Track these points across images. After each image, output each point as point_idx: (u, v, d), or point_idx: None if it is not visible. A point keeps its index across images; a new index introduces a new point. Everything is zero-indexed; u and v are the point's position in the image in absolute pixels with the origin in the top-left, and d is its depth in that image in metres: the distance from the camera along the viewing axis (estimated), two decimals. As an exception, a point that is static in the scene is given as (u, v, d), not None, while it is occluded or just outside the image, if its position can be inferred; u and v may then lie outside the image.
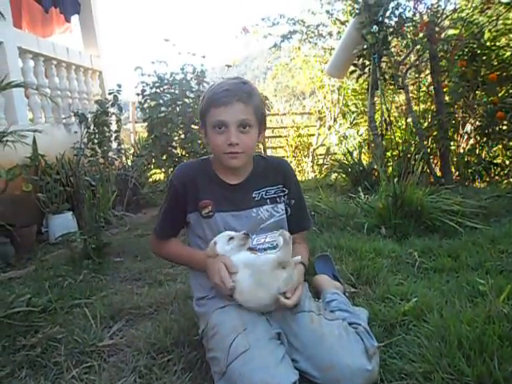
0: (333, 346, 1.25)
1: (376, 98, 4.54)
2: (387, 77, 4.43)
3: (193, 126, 3.95)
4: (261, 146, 7.98)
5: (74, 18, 5.69)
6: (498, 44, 4.52)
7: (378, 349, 1.31)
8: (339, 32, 6.23)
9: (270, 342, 1.25)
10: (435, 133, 4.47)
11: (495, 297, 1.54)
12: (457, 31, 4.60)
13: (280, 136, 9.23)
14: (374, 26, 4.21)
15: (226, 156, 1.38)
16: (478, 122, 4.46)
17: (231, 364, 1.20)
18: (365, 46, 4.26)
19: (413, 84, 5.01)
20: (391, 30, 4.30)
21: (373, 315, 1.63)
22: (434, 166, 4.54)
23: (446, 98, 4.49)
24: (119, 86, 4.49)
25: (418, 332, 1.45)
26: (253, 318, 1.32)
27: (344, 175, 4.79)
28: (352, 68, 4.65)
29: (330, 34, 6.57)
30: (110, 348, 1.63)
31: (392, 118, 4.87)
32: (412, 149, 4.39)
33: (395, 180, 2.88)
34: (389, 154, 4.69)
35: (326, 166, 6.72)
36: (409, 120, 4.63)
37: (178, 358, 1.49)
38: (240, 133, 1.35)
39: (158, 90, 3.96)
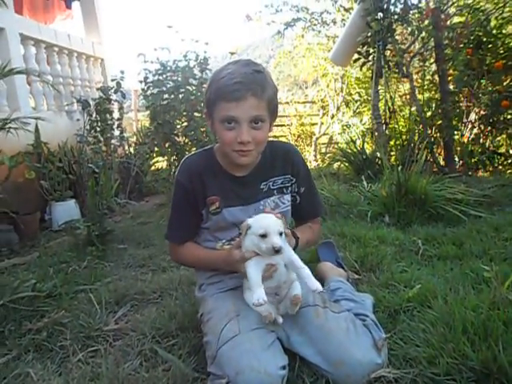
0: (342, 341, 1.22)
1: (380, 87, 4.50)
2: (391, 65, 4.38)
3: (196, 114, 3.92)
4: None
5: (75, 5, 5.65)
6: (504, 32, 4.45)
7: (385, 340, 1.30)
8: (343, 19, 6.16)
9: (260, 328, 1.24)
10: (439, 122, 4.44)
11: (499, 284, 1.53)
12: (463, 18, 4.54)
13: (283, 125, 9.17)
14: (379, 13, 4.15)
15: (235, 154, 1.29)
16: (482, 111, 4.41)
17: (221, 348, 1.20)
18: (369, 34, 4.21)
19: (417, 72, 4.96)
20: (396, 17, 4.25)
21: (377, 301, 1.63)
22: (437, 155, 4.51)
23: (451, 86, 4.45)
24: (122, 72, 4.46)
25: (422, 318, 1.46)
26: (248, 305, 1.30)
27: (347, 164, 4.77)
28: (356, 56, 4.60)
29: (334, 22, 6.49)
30: (115, 332, 1.64)
31: (396, 107, 4.83)
32: (416, 138, 4.37)
33: (399, 168, 2.87)
34: (392, 142, 4.66)
35: (328, 155, 6.69)
36: (413, 109, 4.59)
37: (183, 342, 1.50)
38: (252, 129, 1.24)
39: (160, 78, 3.92)
